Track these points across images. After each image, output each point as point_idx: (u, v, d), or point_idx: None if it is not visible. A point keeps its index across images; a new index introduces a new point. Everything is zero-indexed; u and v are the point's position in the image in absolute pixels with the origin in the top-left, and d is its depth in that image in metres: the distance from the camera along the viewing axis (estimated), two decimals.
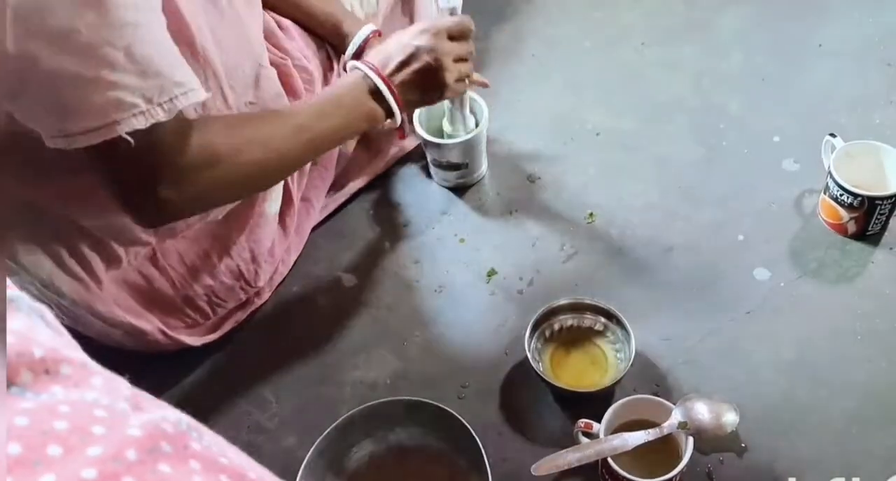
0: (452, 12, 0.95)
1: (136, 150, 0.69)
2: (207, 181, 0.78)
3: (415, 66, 0.90)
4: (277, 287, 1.10)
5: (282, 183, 1.02)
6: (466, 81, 0.98)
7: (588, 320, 0.99)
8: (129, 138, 0.67)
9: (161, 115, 0.68)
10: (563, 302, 0.99)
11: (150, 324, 0.96)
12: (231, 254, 0.99)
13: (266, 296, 1.08)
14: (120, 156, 0.69)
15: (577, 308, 0.99)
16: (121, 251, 0.89)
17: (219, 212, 0.95)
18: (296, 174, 1.04)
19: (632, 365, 0.93)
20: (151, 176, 0.73)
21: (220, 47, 0.82)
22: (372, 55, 0.92)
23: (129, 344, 0.96)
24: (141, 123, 0.67)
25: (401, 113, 0.91)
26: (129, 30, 0.64)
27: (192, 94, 0.69)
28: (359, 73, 0.90)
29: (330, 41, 1.06)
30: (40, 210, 0.82)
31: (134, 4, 0.64)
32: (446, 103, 1.08)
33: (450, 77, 0.92)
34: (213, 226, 0.96)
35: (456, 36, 0.93)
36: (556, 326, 0.99)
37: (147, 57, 0.66)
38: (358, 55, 1.01)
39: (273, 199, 1.02)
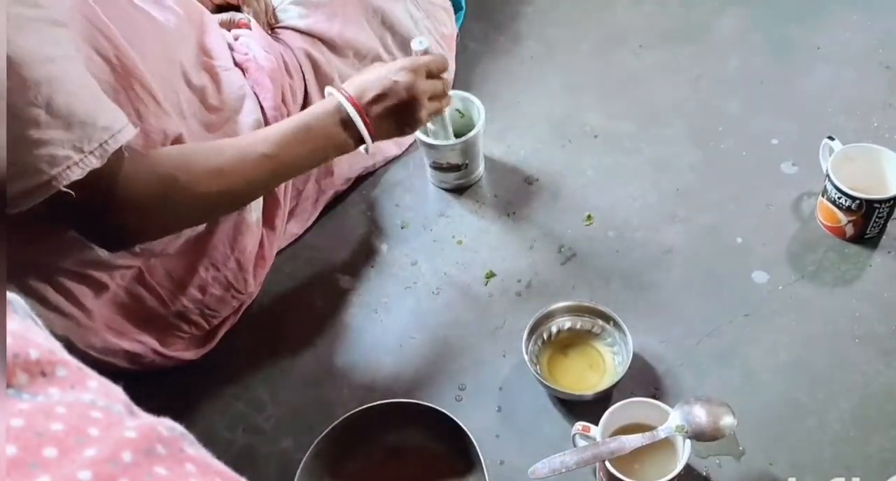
0: (426, 53, 0.97)
1: (88, 191, 0.69)
2: (167, 210, 0.79)
3: (392, 101, 0.90)
4: (271, 288, 1.10)
5: None
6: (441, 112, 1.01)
7: (585, 323, 0.99)
8: (69, 191, 0.68)
9: (95, 162, 0.68)
10: (560, 304, 0.99)
11: (144, 346, 0.95)
12: (217, 266, 0.98)
13: (255, 293, 1.08)
14: (71, 200, 0.69)
15: (574, 310, 0.99)
16: (105, 277, 0.89)
17: (196, 228, 0.95)
18: None
19: (629, 367, 0.93)
20: (108, 209, 0.74)
21: (150, 63, 0.83)
22: (349, 83, 0.91)
23: (124, 368, 0.95)
24: (77, 174, 0.67)
25: (372, 142, 0.91)
26: (46, 85, 0.65)
27: (119, 135, 0.70)
28: (333, 102, 0.89)
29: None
30: (14, 256, 0.82)
31: (47, 58, 0.65)
32: None
33: (423, 114, 0.94)
34: (195, 239, 0.96)
35: (434, 73, 0.95)
36: (554, 329, 0.99)
37: (68, 108, 0.66)
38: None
39: (254, 208, 1.01)
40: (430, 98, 0.94)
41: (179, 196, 0.78)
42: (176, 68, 0.90)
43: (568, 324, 1.00)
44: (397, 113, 0.92)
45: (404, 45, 1.17)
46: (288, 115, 1.03)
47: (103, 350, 0.91)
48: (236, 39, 1.04)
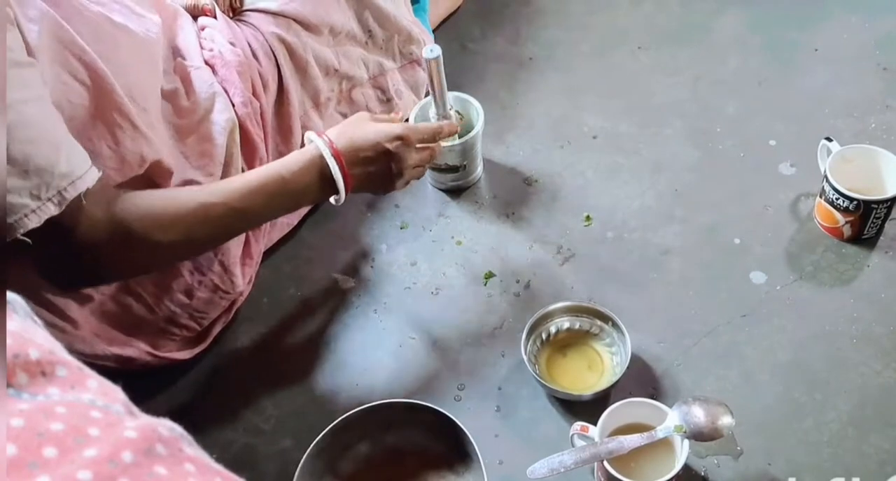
0: (436, 62, 0.97)
1: (46, 236, 0.68)
2: (125, 257, 0.78)
3: (378, 167, 0.90)
4: (271, 288, 1.10)
5: None
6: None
7: (584, 323, 0.99)
8: (26, 239, 0.67)
9: (52, 209, 0.67)
10: (559, 305, 0.99)
11: (136, 349, 0.95)
12: (202, 270, 0.98)
13: (246, 291, 1.07)
14: (28, 245, 0.68)
15: (572, 311, 1.00)
16: (89, 289, 0.89)
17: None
18: (257, 167, 1.03)
19: (627, 367, 0.93)
20: (66, 254, 0.74)
21: (132, 79, 0.83)
22: (338, 136, 0.88)
23: (118, 368, 0.94)
24: (35, 222, 0.66)
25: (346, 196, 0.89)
26: (2, 133, 0.63)
27: (79, 182, 0.69)
28: (315, 152, 0.87)
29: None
30: None
31: (1, 108, 0.63)
32: (431, 112, 1.09)
33: (400, 184, 0.94)
34: None
35: (428, 142, 0.95)
36: (553, 329, 1.00)
37: (25, 155, 0.65)
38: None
39: None
40: (416, 166, 0.94)
41: (134, 245, 0.77)
42: (158, 77, 0.89)
43: (567, 325, 1.00)
44: (378, 178, 0.92)
45: (381, 19, 1.16)
46: (261, 108, 1.03)
47: (92, 356, 0.90)
48: (202, 29, 1.03)
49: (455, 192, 1.19)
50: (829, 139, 1.07)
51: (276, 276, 1.12)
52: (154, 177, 0.87)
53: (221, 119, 0.96)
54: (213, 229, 0.83)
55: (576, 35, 1.39)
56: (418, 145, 0.94)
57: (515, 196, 1.18)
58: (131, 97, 0.83)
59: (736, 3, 1.40)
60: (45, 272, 0.77)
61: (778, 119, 1.22)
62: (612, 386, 0.93)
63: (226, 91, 0.99)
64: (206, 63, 1.00)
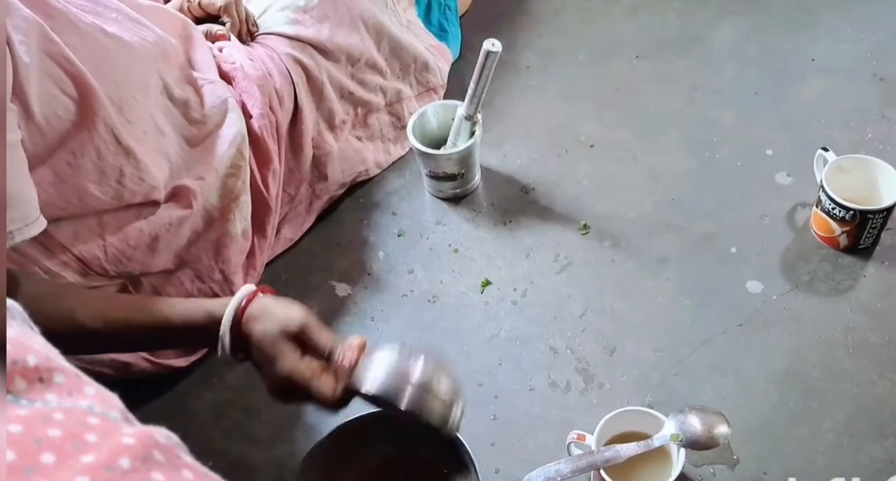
0: (496, 57, 1.01)
1: None
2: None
3: (272, 370, 0.71)
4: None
5: (248, 198, 1.02)
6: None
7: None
8: None
9: None
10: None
11: (133, 356, 0.95)
12: (202, 277, 0.99)
13: None
14: None
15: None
16: None
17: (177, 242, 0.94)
18: (270, 179, 1.05)
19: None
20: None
21: (123, 90, 0.83)
22: (270, 312, 0.73)
23: (113, 375, 0.94)
24: None
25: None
26: (2, 154, 0.61)
27: (17, 233, 0.68)
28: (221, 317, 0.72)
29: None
30: None
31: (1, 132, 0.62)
32: (460, 111, 1.11)
33: (279, 398, 0.73)
34: (178, 254, 0.95)
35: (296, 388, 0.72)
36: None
37: None
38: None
39: (238, 219, 1.01)
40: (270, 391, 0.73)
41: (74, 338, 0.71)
42: (152, 88, 0.89)
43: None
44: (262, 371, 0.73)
45: (397, 49, 1.18)
46: (276, 123, 1.04)
47: (90, 361, 0.90)
48: (220, 50, 1.05)
49: (453, 200, 1.19)
50: (825, 149, 1.08)
51: (274, 284, 1.12)
52: (135, 191, 0.87)
53: (230, 133, 0.97)
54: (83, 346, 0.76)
55: (573, 44, 1.40)
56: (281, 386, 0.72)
57: (512, 204, 1.18)
58: (119, 109, 0.83)
59: (732, 14, 1.41)
60: None
61: (774, 129, 1.22)
62: None
63: (244, 103, 1.00)
64: (226, 75, 1.01)
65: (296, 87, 1.07)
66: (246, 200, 1.02)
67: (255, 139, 1.02)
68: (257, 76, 1.02)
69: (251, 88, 1.01)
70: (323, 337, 0.73)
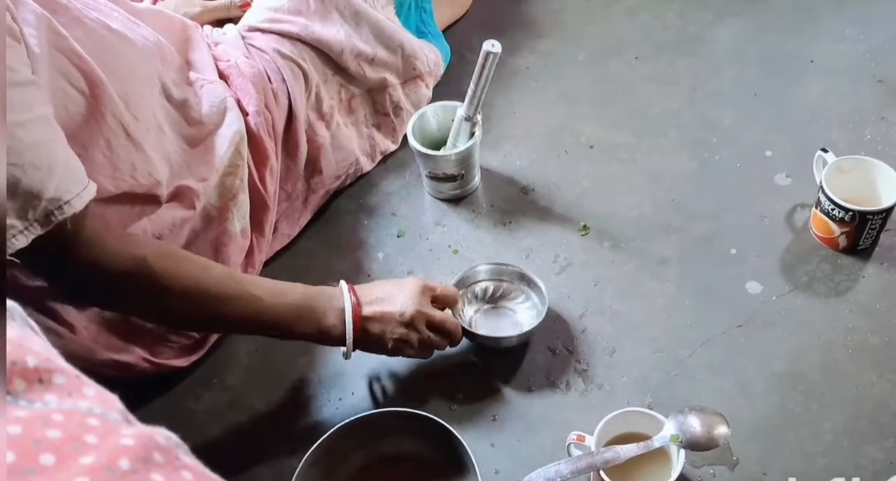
0: (495, 57, 1.01)
1: (43, 252, 0.69)
2: (128, 292, 0.80)
3: (383, 340, 0.91)
4: None
5: (246, 197, 1.03)
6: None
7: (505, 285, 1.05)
8: (14, 260, 0.68)
9: (39, 230, 0.68)
10: (483, 266, 1.05)
11: (134, 356, 0.95)
12: None
13: None
14: (30, 258, 0.69)
15: (496, 273, 1.05)
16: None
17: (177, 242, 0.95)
18: (267, 177, 1.05)
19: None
20: (67, 269, 0.75)
21: (126, 85, 0.84)
22: (368, 298, 0.91)
23: (114, 376, 0.94)
24: (22, 242, 0.67)
25: (348, 351, 0.91)
26: (2, 152, 0.62)
27: (67, 207, 0.69)
28: (341, 304, 0.89)
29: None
30: None
31: (2, 127, 0.63)
32: (460, 111, 1.11)
33: (393, 353, 0.94)
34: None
35: (437, 328, 0.94)
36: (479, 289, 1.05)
37: (16, 178, 0.65)
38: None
39: (237, 218, 1.01)
40: (420, 343, 0.93)
41: (145, 286, 0.79)
42: (154, 86, 0.90)
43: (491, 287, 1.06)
44: (377, 345, 0.92)
45: (380, 35, 1.17)
46: (272, 120, 1.04)
47: (89, 361, 0.90)
48: (216, 45, 1.05)
49: (452, 201, 1.19)
50: (824, 150, 1.08)
51: None
52: (144, 185, 0.87)
53: (229, 132, 0.98)
54: (224, 307, 0.84)
55: (572, 45, 1.40)
56: (428, 323, 0.93)
57: (512, 205, 1.18)
58: (126, 105, 0.84)
59: (732, 15, 1.41)
60: (51, 284, 0.79)
61: (774, 130, 1.22)
62: (531, 332, 0.99)
63: (239, 101, 1.00)
64: (222, 73, 1.01)
65: (287, 83, 1.06)
66: (244, 199, 1.02)
67: (252, 137, 1.02)
68: (252, 74, 1.02)
69: (246, 86, 1.01)
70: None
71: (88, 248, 0.75)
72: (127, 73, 0.85)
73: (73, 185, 0.70)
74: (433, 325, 0.93)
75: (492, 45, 0.99)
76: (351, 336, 0.89)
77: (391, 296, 0.92)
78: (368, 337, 0.91)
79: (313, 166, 1.14)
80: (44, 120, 0.70)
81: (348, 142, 1.18)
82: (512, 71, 1.36)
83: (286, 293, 0.88)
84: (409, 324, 0.91)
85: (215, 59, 1.03)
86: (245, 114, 1.01)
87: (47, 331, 0.86)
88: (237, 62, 1.02)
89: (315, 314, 0.88)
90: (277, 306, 0.87)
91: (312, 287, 0.91)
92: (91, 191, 0.72)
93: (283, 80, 1.06)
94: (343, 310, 0.89)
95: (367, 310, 0.90)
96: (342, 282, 0.92)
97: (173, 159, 0.92)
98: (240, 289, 0.85)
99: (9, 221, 0.65)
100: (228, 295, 0.84)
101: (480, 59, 1.03)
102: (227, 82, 1.02)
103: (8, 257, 0.66)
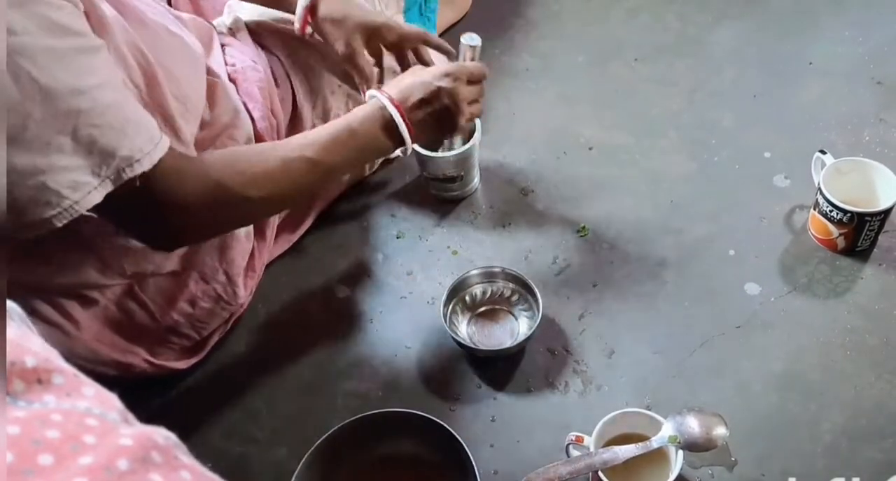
0: (473, 51, 0.98)
1: (133, 199, 0.72)
2: (215, 214, 0.81)
3: (434, 106, 0.92)
4: (268, 297, 1.10)
5: None
6: (475, 121, 1.01)
7: (500, 288, 1.06)
8: (92, 214, 0.70)
9: (110, 186, 0.70)
10: (475, 271, 1.05)
11: (136, 356, 0.96)
12: (206, 279, 0.99)
13: (246, 303, 1.08)
14: (113, 209, 0.72)
15: (488, 276, 1.06)
16: (95, 293, 0.90)
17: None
18: None
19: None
20: (156, 216, 0.77)
21: (183, 87, 0.85)
22: (392, 87, 0.92)
23: (114, 375, 0.95)
24: (97, 198, 0.69)
25: (411, 145, 0.93)
26: (74, 116, 0.66)
27: (138, 165, 0.71)
28: (377, 104, 0.90)
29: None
30: (8, 275, 0.83)
31: (77, 90, 0.66)
32: None
33: (462, 120, 0.95)
34: (184, 254, 0.96)
35: (474, 80, 0.95)
36: (475, 292, 1.06)
37: (92, 138, 0.68)
38: (312, 8, 1.01)
39: None
40: (470, 102, 0.95)
41: (228, 201, 0.80)
42: (203, 92, 0.92)
43: (485, 290, 1.06)
44: (438, 118, 0.93)
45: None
46: (277, 125, 1.04)
47: (92, 360, 0.91)
48: (223, 46, 1.05)
49: (452, 202, 1.19)
50: (823, 151, 1.08)
51: (273, 285, 1.12)
52: None
53: (238, 134, 0.98)
54: (295, 183, 0.86)
55: (572, 46, 1.40)
56: (468, 81, 0.94)
57: (511, 206, 1.18)
58: (185, 108, 0.86)
59: (731, 17, 1.41)
60: (138, 235, 0.81)
61: (772, 131, 1.22)
62: (526, 340, 0.99)
63: (245, 106, 1.01)
64: (230, 76, 1.02)
65: (294, 88, 1.07)
66: None
67: (258, 141, 1.02)
68: (258, 78, 1.03)
69: (252, 91, 1.02)
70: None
71: (173, 191, 0.76)
72: (183, 76, 0.87)
73: (144, 144, 0.72)
74: (470, 79, 0.94)
75: (470, 38, 0.98)
76: (400, 120, 0.89)
77: (417, 76, 0.93)
78: (412, 103, 0.91)
79: None
80: (117, 82, 0.72)
81: None
82: (511, 72, 1.37)
83: (331, 139, 0.87)
84: (453, 79, 0.91)
85: (224, 62, 1.04)
86: (251, 118, 1.02)
87: (53, 325, 0.87)
88: (243, 66, 1.03)
89: (362, 133, 0.89)
90: (334, 155, 0.87)
91: (347, 119, 0.90)
92: (162, 148, 0.74)
93: (291, 85, 1.07)
94: (377, 110, 0.90)
95: (396, 91, 0.91)
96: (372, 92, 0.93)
97: None
98: (312, 171, 0.86)
99: (83, 179, 0.68)
100: (304, 181, 0.86)
101: (461, 56, 1.01)
102: (235, 85, 1.02)
103: (85, 213, 0.69)
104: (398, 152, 0.94)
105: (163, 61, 0.82)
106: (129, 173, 0.71)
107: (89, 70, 0.68)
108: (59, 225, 0.69)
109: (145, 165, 0.72)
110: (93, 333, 0.91)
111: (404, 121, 0.90)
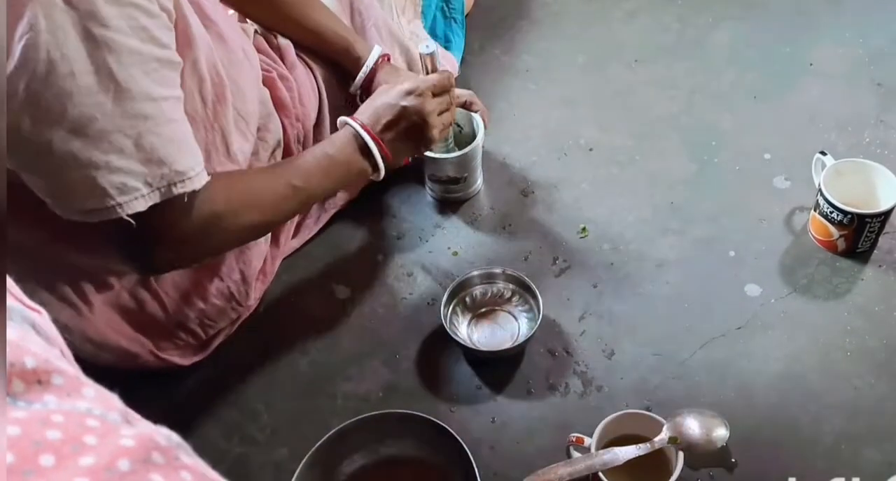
0: (431, 58, 0.98)
1: (142, 222, 0.73)
2: (207, 242, 0.82)
3: (403, 125, 0.94)
4: (268, 297, 1.10)
5: None
6: (450, 128, 1.03)
7: (499, 288, 1.06)
8: (130, 220, 0.71)
9: (157, 198, 0.72)
10: (475, 272, 1.05)
11: (141, 346, 0.96)
12: (222, 276, 0.99)
13: (253, 306, 1.08)
14: (121, 225, 0.72)
15: (487, 277, 1.06)
16: (112, 279, 0.91)
17: None
18: None
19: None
20: (153, 240, 0.78)
21: (249, 106, 0.90)
22: (362, 111, 0.95)
23: (119, 364, 0.96)
24: (141, 206, 0.71)
25: (387, 167, 0.95)
26: (142, 121, 0.69)
27: (189, 182, 0.74)
28: (350, 131, 0.93)
29: (340, 62, 1.09)
30: (31, 250, 0.84)
31: (151, 97, 0.69)
32: None
33: (434, 132, 0.96)
34: None
35: (438, 92, 0.96)
36: (475, 293, 1.06)
37: (153, 146, 0.70)
38: (370, 79, 1.06)
39: None
40: (440, 113, 0.97)
41: (219, 230, 0.81)
42: (258, 103, 0.95)
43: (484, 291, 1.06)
44: (408, 136, 0.95)
45: (405, 55, 1.17)
46: (305, 135, 1.06)
47: (100, 344, 0.92)
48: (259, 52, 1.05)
49: (452, 203, 1.19)
50: (823, 153, 1.08)
51: (274, 286, 1.12)
52: None
53: (269, 137, 0.99)
54: (281, 210, 0.89)
55: (572, 47, 1.40)
56: (433, 93, 0.96)
57: (512, 207, 1.18)
58: (246, 123, 0.89)
59: (731, 18, 1.41)
60: (127, 254, 0.81)
61: (772, 133, 1.22)
62: (526, 341, 0.99)
63: (277, 111, 1.02)
64: (263, 83, 1.02)
65: (322, 104, 1.08)
66: None
67: (286, 146, 1.03)
68: (287, 86, 1.03)
69: (283, 97, 1.02)
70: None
71: (175, 222, 0.77)
72: (248, 94, 0.90)
73: (196, 164, 0.74)
74: (434, 92, 0.95)
75: (425, 47, 0.98)
76: (372, 144, 0.92)
77: (382, 98, 0.95)
78: (380, 125, 0.93)
79: None
80: (181, 101, 0.75)
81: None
82: (512, 73, 1.37)
83: (310, 165, 0.90)
84: (416, 96, 0.94)
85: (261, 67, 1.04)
86: (283, 126, 1.03)
87: (69, 304, 0.89)
88: (279, 73, 1.03)
89: (339, 159, 0.92)
90: (315, 181, 0.90)
91: (324, 146, 0.93)
92: (206, 175, 0.76)
93: (319, 96, 1.07)
94: (350, 135, 0.93)
95: (365, 116, 0.94)
96: (345, 120, 0.95)
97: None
98: (295, 197, 0.89)
99: (134, 184, 0.70)
100: (287, 208, 0.90)
101: (421, 66, 1.01)
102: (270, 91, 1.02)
103: (125, 217, 0.71)
104: (374, 175, 0.96)
105: (234, 78, 0.86)
106: (180, 188, 0.73)
107: (164, 82, 0.71)
108: (93, 221, 0.70)
109: (196, 184, 0.74)
110: (104, 318, 0.92)
111: (377, 143, 0.93)
